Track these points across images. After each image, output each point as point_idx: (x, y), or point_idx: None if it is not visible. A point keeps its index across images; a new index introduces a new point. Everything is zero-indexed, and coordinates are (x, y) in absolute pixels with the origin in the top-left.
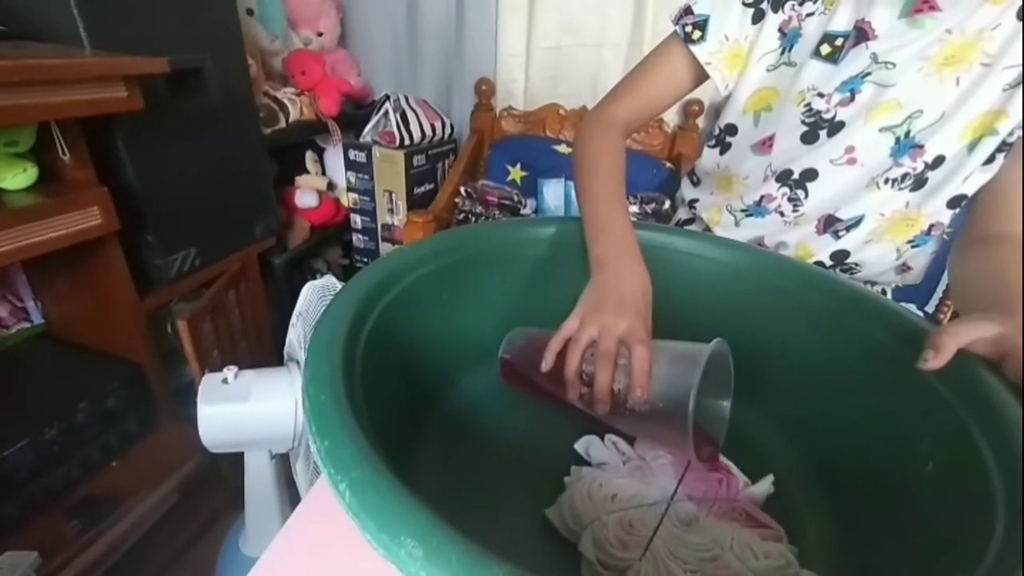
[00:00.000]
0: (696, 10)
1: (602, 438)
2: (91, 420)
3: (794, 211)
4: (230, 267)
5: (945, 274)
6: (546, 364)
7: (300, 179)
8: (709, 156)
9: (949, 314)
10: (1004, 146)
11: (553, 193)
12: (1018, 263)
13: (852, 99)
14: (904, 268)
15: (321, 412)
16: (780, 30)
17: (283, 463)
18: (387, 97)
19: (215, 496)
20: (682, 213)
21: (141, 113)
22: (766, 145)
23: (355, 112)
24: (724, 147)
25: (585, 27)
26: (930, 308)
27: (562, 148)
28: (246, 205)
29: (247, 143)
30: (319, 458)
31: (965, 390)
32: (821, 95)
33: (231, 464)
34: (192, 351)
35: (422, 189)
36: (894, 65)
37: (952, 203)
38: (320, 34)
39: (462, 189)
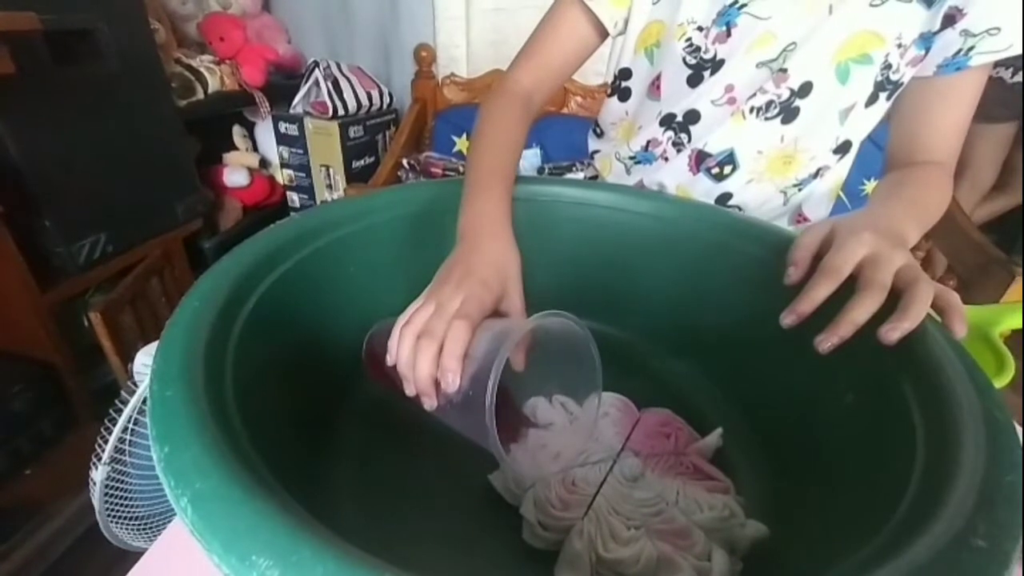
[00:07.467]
0: None
1: (549, 400)
2: None
3: (677, 155)
4: (150, 253)
5: None
6: (390, 357)
7: (228, 156)
8: (613, 106)
9: None
10: (888, 84)
11: None
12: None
13: (728, 34)
14: (801, 219)
15: (165, 413)
16: None
17: None
18: (316, 64)
19: None
20: (590, 170)
21: (18, 80)
22: (655, 88)
23: (286, 82)
24: (623, 94)
25: None
26: None
27: None
28: (164, 185)
29: (158, 116)
30: (159, 469)
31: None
32: (700, 28)
33: None
34: (110, 345)
35: (361, 162)
36: None
37: (839, 149)
38: None
39: (404, 161)
